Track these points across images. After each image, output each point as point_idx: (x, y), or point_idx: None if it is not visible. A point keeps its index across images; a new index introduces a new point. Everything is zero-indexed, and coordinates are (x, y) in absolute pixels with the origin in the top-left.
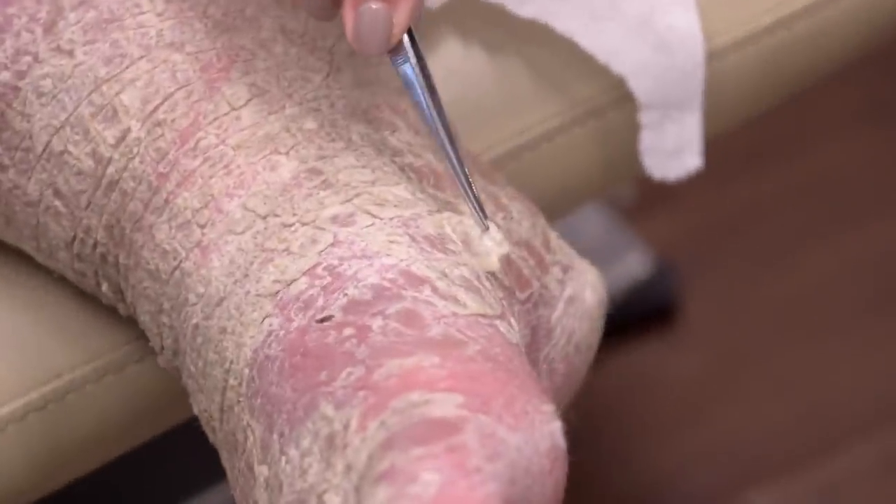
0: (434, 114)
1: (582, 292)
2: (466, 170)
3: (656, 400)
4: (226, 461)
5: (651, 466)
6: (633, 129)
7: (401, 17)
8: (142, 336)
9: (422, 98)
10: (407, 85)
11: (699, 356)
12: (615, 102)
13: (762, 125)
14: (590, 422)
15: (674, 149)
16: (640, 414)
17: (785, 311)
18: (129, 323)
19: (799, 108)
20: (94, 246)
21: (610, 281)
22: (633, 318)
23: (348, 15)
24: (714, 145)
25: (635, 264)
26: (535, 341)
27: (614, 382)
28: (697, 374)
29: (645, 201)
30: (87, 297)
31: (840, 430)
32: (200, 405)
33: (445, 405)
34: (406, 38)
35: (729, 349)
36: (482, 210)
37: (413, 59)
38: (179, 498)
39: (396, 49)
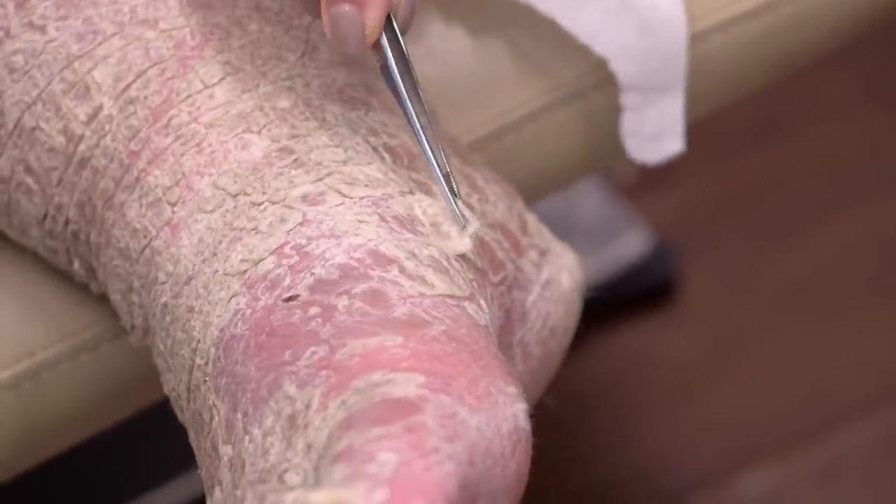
0: (412, 113)
1: (558, 276)
2: (445, 158)
3: (654, 379)
4: (193, 441)
5: (648, 446)
6: (616, 111)
7: (372, 17)
8: (115, 315)
9: (401, 96)
10: (387, 82)
11: (698, 335)
12: (598, 84)
13: (765, 103)
14: (585, 400)
15: (655, 132)
16: (637, 393)
17: (785, 291)
18: (103, 301)
19: (802, 86)
20: (66, 223)
21: (609, 258)
22: (631, 296)
23: (324, 16)
24: (715, 123)
25: (634, 242)
26: (508, 324)
27: (611, 360)
28: (696, 354)
29: (645, 179)
30: (60, 275)
31: (839, 411)
32: (169, 384)
33: (406, 385)
34: (383, 36)
35: (728, 329)
36: (456, 194)
37: (391, 60)
38: (151, 483)
39: (376, 46)
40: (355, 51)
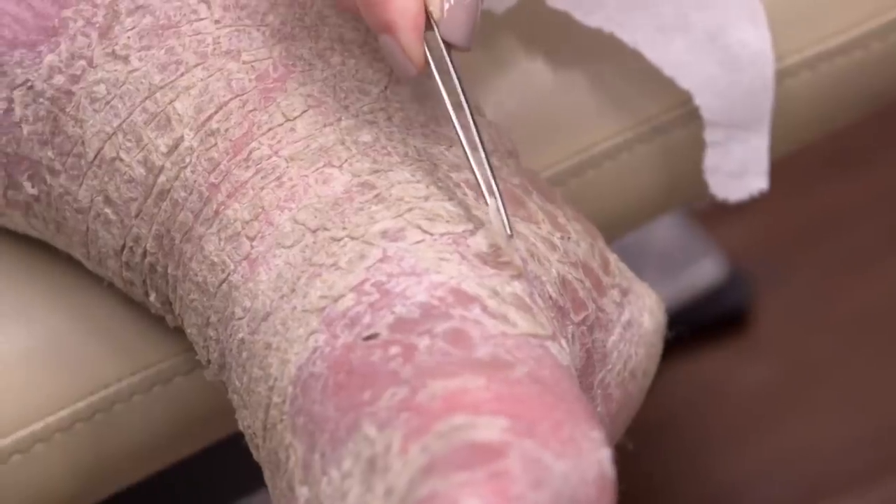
0: (459, 129)
1: (640, 317)
2: (492, 175)
3: (725, 409)
4: (268, 480)
5: (717, 477)
6: (698, 148)
7: (405, 41)
8: (190, 348)
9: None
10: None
11: (770, 366)
12: (681, 119)
13: (841, 134)
14: (655, 429)
15: (738, 169)
16: (708, 422)
17: (859, 322)
18: (178, 334)
19: (877, 116)
20: (144, 255)
21: (683, 286)
22: (704, 325)
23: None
24: (793, 154)
25: (709, 270)
26: (589, 365)
27: (682, 389)
28: (767, 385)
29: (720, 207)
30: (136, 307)
31: None
32: (245, 421)
33: (490, 429)
34: (430, 59)
35: (800, 360)
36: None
37: (436, 75)
38: None
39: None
40: (415, 75)
